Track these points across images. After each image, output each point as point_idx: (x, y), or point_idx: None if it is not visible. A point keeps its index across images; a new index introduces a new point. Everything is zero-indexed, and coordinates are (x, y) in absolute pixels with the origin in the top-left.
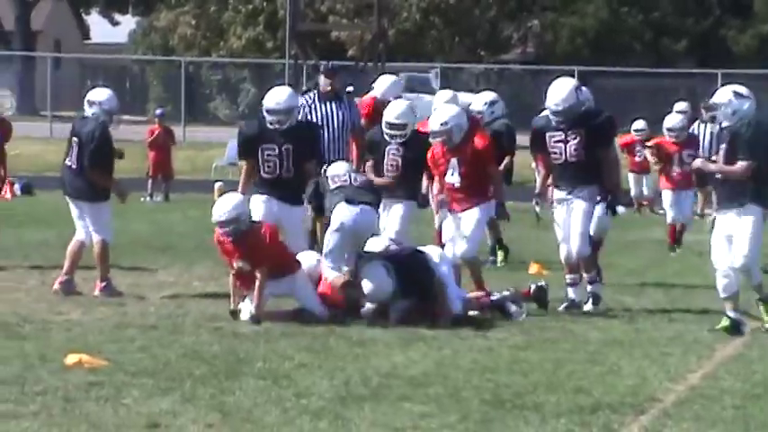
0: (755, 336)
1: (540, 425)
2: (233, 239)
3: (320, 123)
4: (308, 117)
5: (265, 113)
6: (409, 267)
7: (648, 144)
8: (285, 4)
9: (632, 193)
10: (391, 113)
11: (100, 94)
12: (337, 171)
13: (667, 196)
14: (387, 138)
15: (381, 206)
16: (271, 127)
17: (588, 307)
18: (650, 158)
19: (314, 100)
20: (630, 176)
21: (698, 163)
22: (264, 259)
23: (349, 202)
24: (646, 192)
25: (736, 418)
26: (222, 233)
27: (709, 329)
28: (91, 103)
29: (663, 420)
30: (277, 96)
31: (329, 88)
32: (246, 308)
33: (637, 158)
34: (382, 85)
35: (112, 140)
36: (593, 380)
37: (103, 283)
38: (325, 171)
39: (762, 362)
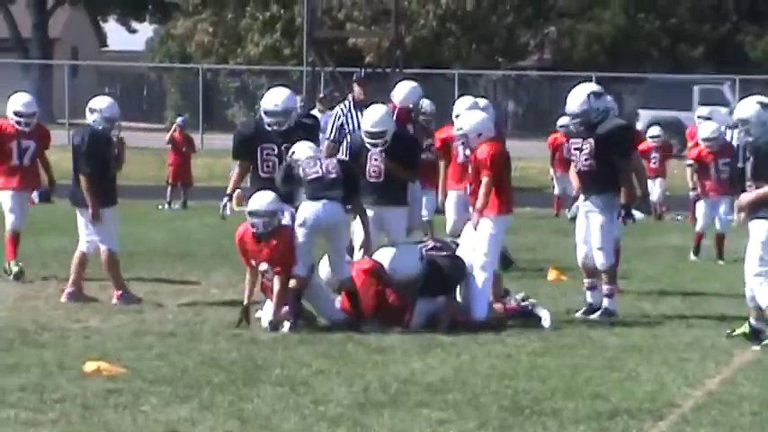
0: None
1: (559, 431)
2: (260, 234)
3: (357, 131)
4: (344, 125)
5: (263, 115)
6: (441, 266)
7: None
8: (302, 12)
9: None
10: (368, 121)
11: (100, 102)
12: (305, 153)
13: (700, 206)
14: (367, 145)
15: (372, 213)
16: (269, 129)
17: (594, 316)
18: (689, 173)
19: (349, 109)
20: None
21: (744, 200)
22: (287, 263)
23: (313, 198)
24: (656, 197)
25: (754, 424)
26: (253, 223)
27: (728, 334)
28: (92, 111)
29: (681, 426)
30: (275, 98)
31: (363, 96)
32: (266, 315)
33: (652, 165)
34: (401, 91)
35: (108, 143)
36: (611, 386)
37: (119, 292)
38: (292, 154)
39: None
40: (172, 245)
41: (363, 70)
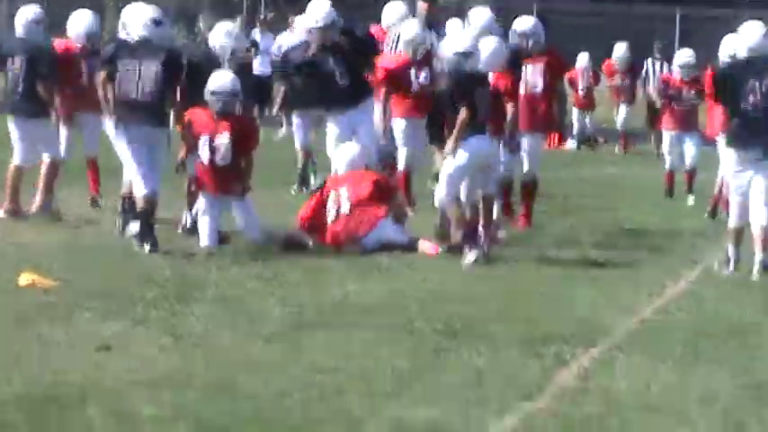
0: (708, 273)
1: (493, 354)
2: (222, 111)
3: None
4: None
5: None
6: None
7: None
8: None
9: (575, 129)
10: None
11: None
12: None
13: (667, 138)
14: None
15: None
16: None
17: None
18: (653, 96)
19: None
20: (574, 112)
21: None
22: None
23: (120, 120)
24: (589, 128)
25: (685, 354)
26: (211, 103)
27: None
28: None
29: (614, 353)
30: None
31: (425, 13)
32: (204, 232)
33: (580, 93)
34: (389, 15)
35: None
36: (544, 312)
37: (45, 202)
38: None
39: (713, 299)
40: (109, 159)
41: None
